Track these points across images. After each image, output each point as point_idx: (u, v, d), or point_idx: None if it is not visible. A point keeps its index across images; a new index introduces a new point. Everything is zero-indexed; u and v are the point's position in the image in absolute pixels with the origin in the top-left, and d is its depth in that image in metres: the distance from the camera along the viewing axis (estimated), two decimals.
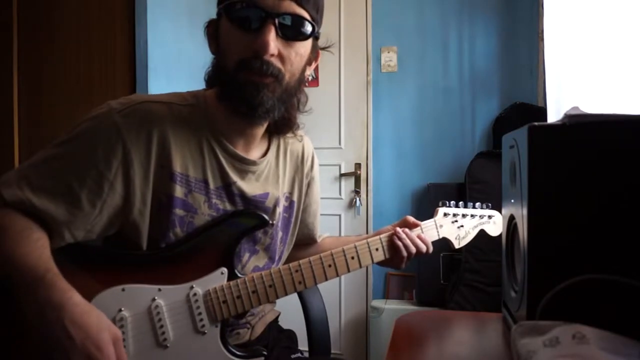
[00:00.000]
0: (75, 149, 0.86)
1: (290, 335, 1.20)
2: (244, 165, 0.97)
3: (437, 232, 1.07)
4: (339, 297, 2.65)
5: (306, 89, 1.02)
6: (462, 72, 2.57)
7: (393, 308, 2.37)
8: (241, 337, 1.04)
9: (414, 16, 2.62)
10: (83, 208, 0.85)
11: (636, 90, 1.24)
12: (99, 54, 2.26)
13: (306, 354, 1.19)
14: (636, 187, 0.66)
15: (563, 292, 0.66)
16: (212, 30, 0.92)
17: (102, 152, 0.85)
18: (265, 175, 1.01)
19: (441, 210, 1.08)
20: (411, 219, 1.07)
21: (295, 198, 1.09)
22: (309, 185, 1.14)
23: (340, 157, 2.69)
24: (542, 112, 2.09)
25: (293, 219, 1.10)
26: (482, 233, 1.12)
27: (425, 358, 0.81)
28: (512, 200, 0.82)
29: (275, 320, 1.18)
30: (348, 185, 2.70)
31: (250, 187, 0.98)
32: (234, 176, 0.95)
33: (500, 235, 0.97)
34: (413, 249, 1.02)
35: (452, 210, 1.09)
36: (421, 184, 2.58)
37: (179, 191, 0.90)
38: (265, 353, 0.96)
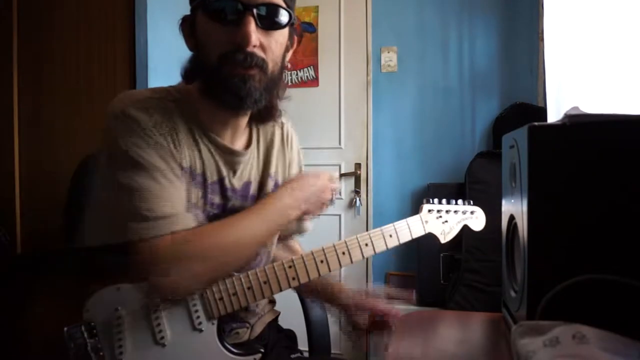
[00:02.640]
0: (148, 157, 0.85)
1: (290, 335, 1.20)
2: (234, 158, 0.98)
3: (423, 227, 1.10)
4: None
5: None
6: (462, 72, 2.57)
7: None
8: (240, 336, 1.04)
9: (414, 16, 2.62)
10: (179, 186, 0.88)
11: (636, 90, 1.24)
12: (99, 54, 2.25)
13: (306, 354, 1.19)
14: (636, 187, 0.66)
15: (563, 292, 0.66)
16: (188, 27, 0.93)
17: (160, 149, 0.86)
18: (251, 164, 1.03)
19: (426, 207, 1.12)
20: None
21: (280, 179, 1.11)
22: (289, 166, 1.15)
23: (340, 157, 2.69)
24: (542, 112, 2.09)
25: None
26: (465, 228, 1.15)
27: (425, 358, 0.81)
28: (512, 200, 0.82)
29: (275, 320, 1.18)
30: (348, 185, 2.70)
31: (238, 178, 1.00)
32: (224, 170, 0.97)
33: (499, 234, 0.97)
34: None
35: (436, 207, 1.12)
36: (421, 184, 2.58)
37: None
38: (262, 350, 0.96)
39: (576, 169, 0.68)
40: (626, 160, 0.67)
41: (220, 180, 0.96)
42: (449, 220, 1.13)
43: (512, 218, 0.84)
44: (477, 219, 1.16)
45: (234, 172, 0.99)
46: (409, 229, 1.07)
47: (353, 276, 2.62)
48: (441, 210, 1.12)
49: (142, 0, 2.17)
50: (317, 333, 1.25)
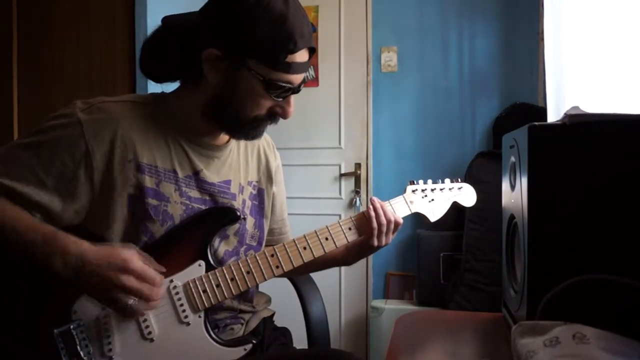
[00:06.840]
0: (41, 142, 0.91)
1: (285, 332, 1.21)
2: (209, 152, 1.01)
3: (408, 207, 1.11)
4: (339, 297, 2.64)
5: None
6: (462, 72, 2.57)
7: (393, 308, 2.37)
8: (235, 332, 1.05)
9: (414, 16, 2.62)
10: (49, 193, 0.89)
11: (636, 90, 1.24)
12: (99, 54, 2.25)
13: None
14: (636, 187, 0.66)
15: (563, 292, 0.66)
16: (225, 69, 0.92)
17: (65, 145, 0.90)
18: (230, 162, 1.06)
19: (409, 188, 1.13)
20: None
21: (263, 186, 1.13)
22: (275, 173, 1.16)
23: (340, 157, 2.69)
24: (542, 112, 2.09)
25: (265, 205, 1.13)
26: (456, 205, 1.16)
27: (425, 358, 0.81)
28: (512, 200, 0.82)
29: (270, 317, 1.18)
30: (348, 185, 2.69)
31: (215, 173, 1.02)
32: (200, 164, 1.00)
33: (499, 233, 0.97)
34: (383, 219, 1.04)
35: (419, 187, 1.13)
36: None
37: (149, 181, 0.94)
38: (254, 341, 0.97)
39: (576, 169, 0.68)
40: (626, 160, 0.67)
41: (195, 174, 0.99)
42: (435, 198, 1.14)
43: (512, 218, 0.84)
44: (466, 195, 1.17)
45: (211, 166, 1.02)
46: (393, 210, 1.08)
47: (353, 276, 2.63)
48: (425, 190, 1.13)
49: (142, 0, 2.17)
50: (317, 333, 1.25)
